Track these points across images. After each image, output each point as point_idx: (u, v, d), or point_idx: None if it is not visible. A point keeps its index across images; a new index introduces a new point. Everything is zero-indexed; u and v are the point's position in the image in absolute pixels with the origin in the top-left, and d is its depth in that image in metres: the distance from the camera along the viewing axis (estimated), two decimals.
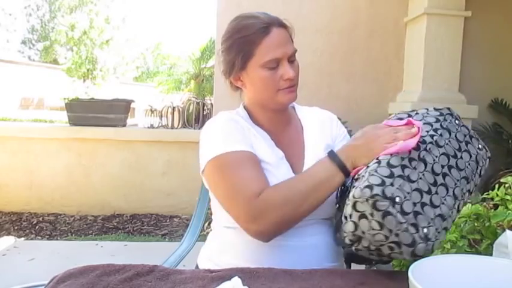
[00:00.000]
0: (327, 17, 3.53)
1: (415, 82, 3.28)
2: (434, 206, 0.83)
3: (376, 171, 0.83)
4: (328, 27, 3.52)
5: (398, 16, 3.51)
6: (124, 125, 4.35)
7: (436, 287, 0.66)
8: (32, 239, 3.38)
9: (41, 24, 20.40)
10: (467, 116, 3.15)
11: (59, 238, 3.43)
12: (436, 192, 0.85)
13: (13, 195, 3.94)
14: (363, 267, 1.76)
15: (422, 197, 0.83)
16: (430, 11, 3.12)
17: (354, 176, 0.90)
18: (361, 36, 3.54)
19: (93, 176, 4.00)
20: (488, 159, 0.97)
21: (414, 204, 0.81)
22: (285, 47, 1.05)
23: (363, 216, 0.82)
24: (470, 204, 1.48)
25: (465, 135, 0.96)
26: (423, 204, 0.82)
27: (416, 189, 0.83)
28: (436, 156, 0.89)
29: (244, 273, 0.87)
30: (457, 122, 0.97)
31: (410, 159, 0.86)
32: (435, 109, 0.99)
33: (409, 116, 0.97)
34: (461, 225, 1.45)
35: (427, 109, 0.99)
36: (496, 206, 1.49)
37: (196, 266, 1.14)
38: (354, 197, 0.82)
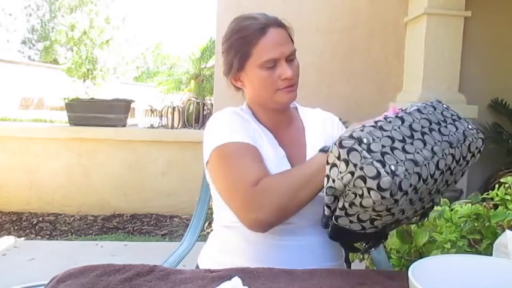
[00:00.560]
0: (327, 16, 3.53)
1: (415, 82, 3.28)
2: (406, 152, 0.81)
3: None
4: (328, 27, 3.52)
5: (399, 16, 3.51)
6: (124, 125, 4.35)
7: (436, 287, 0.66)
8: (32, 239, 3.38)
9: (41, 24, 20.40)
10: (467, 116, 3.14)
11: (59, 238, 3.43)
12: (412, 144, 0.82)
13: (13, 195, 3.94)
14: (363, 267, 1.76)
15: (393, 142, 0.81)
16: (430, 11, 3.12)
17: None
18: (361, 36, 3.54)
19: (93, 176, 4.00)
20: (481, 140, 0.93)
21: (383, 146, 0.79)
22: (283, 46, 1.05)
23: (333, 165, 0.82)
24: (470, 204, 1.48)
25: (453, 115, 0.93)
26: (393, 149, 0.80)
27: (388, 136, 0.81)
28: (417, 118, 0.87)
29: (244, 273, 0.87)
30: (446, 108, 0.95)
31: (386, 117, 0.86)
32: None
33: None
34: (461, 225, 1.45)
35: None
36: (496, 206, 1.49)
37: (197, 266, 1.14)
38: (327, 152, 0.83)
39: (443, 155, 0.84)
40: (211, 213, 1.18)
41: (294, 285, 0.85)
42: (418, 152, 0.81)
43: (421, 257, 0.74)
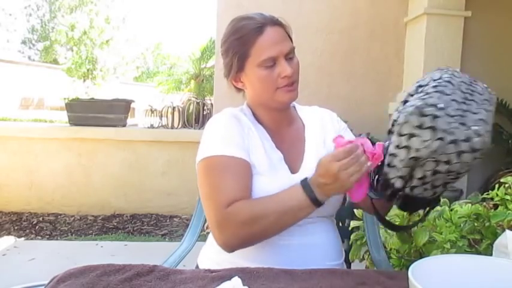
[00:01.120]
0: (327, 17, 3.53)
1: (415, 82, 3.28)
2: (473, 113, 0.83)
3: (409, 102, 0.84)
4: (328, 27, 3.52)
5: (399, 16, 3.51)
6: (124, 125, 4.35)
7: (436, 287, 0.66)
8: (32, 239, 3.38)
9: (41, 24, 20.40)
10: None
11: (59, 238, 3.42)
12: (471, 104, 0.85)
13: (13, 195, 3.94)
14: (363, 267, 1.76)
15: (459, 105, 0.83)
16: (430, 11, 3.12)
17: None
18: (361, 36, 3.54)
19: (93, 176, 4.00)
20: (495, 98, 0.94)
21: (456, 109, 0.81)
22: (281, 44, 1.04)
23: (411, 136, 0.81)
24: (470, 204, 1.48)
25: (470, 80, 0.94)
26: (463, 111, 0.82)
27: (453, 100, 0.83)
28: (458, 83, 0.89)
29: (244, 273, 0.87)
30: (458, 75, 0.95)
31: (438, 79, 0.87)
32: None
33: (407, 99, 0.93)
34: (461, 225, 1.45)
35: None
36: (496, 206, 1.49)
37: (197, 266, 1.14)
38: (398, 124, 0.82)
39: (490, 110, 0.85)
40: None
41: (294, 285, 0.85)
42: (479, 112, 0.83)
43: (421, 257, 0.73)
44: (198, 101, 4.75)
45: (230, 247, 0.99)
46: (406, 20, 3.47)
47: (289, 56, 1.06)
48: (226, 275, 0.86)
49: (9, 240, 3.23)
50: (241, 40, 1.05)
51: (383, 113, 3.50)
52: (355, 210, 1.56)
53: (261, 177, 1.03)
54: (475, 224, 1.44)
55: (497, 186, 1.50)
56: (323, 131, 1.16)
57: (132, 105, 4.65)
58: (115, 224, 3.76)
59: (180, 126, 4.47)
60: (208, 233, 1.20)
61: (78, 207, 3.94)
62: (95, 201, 3.96)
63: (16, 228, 3.58)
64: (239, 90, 1.16)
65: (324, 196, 0.92)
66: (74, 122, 4.19)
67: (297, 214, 0.95)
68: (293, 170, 1.09)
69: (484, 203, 1.55)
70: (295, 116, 1.19)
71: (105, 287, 0.82)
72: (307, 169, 1.02)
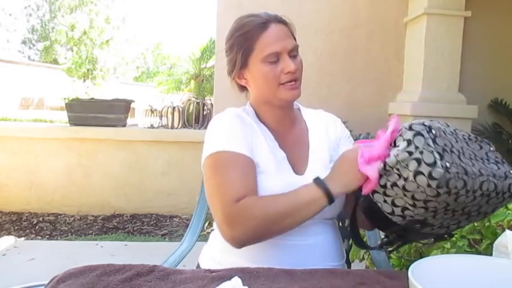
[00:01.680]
0: (327, 16, 3.53)
1: (415, 82, 3.28)
2: (460, 160, 0.84)
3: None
4: (328, 27, 3.52)
5: (399, 16, 3.51)
6: (124, 125, 4.35)
7: (436, 287, 0.66)
8: (32, 239, 3.38)
9: (41, 24, 20.42)
10: (467, 116, 3.16)
11: (59, 238, 3.43)
12: (464, 157, 0.86)
13: (13, 195, 3.94)
14: (363, 267, 1.76)
15: (452, 147, 0.85)
16: (430, 11, 3.12)
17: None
18: (361, 36, 3.54)
19: (93, 176, 4.00)
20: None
21: (445, 145, 0.83)
22: (285, 41, 1.05)
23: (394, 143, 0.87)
24: None
25: (497, 157, 0.95)
26: (452, 151, 0.84)
27: (449, 141, 0.85)
28: (466, 147, 0.90)
29: (244, 273, 0.87)
30: (492, 150, 0.97)
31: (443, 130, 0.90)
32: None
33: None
34: None
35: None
36: None
37: (198, 265, 1.14)
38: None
39: (487, 180, 0.86)
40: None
41: (294, 285, 0.85)
42: (468, 166, 0.85)
43: (421, 257, 0.73)
44: (198, 101, 4.75)
45: (240, 242, 0.97)
46: (406, 20, 3.47)
47: (293, 53, 1.06)
48: (226, 275, 0.86)
49: (9, 240, 3.23)
50: (246, 35, 1.05)
51: (383, 113, 3.50)
52: None
53: (265, 176, 1.03)
54: (475, 224, 1.44)
55: None
56: (327, 136, 1.16)
57: (132, 105, 4.65)
58: (115, 224, 3.76)
59: (180, 126, 4.48)
60: (208, 233, 1.20)
61: (78, 207, 3.94)
62: (95, 201, 3.96)
63: (16, 228, 3.58)
64: (242, 88, 1.16)
65: (338, 189, 0.93)
66: (74, 122, 4.19)
67: (308, 208, 0.94)
68: (297, 171, 1.08)
69: None
70: (298, 118, 1.19)
71: (105, 287, 0.82)
72: (313, 172, 1.02)
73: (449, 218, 0.89)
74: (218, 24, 3.47)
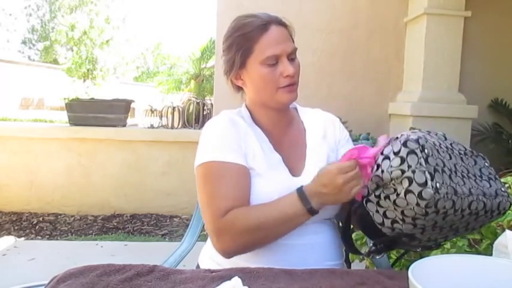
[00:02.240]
0: (327, 16, 3.53)
1: (415, 82, 3.28)
2: (451, 180, 0.86)
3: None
4: (328, 27, 3.52)
5: (399, 16, 3.51)
6: (124, 125, 4.35)
7: (436, 287, 0.66)
8: (32, 239, 3.38)
9: (41, 24, 20.42)
10: (467, 116, 3.16)
11: (59, 238, 3.42)
12: (455, 177, 0.88)
13: (13, 195, 3.93)
14: (363, 267, 1.76)
15: (444, 167, 0.87)
16: (430, 11, 3.12)
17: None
18: (361, 36, 3.54)
19: (93, 176, 4.00)
20: (510, 204, 0.96)
21: (437, 164, 0.85)
22: (284, 44, 1.05)
23: (386, 157, 0.88)
24: None
25: (490, 174, 0.97)
26: (443, 171, 0.86)
27: (442, 160, 0.87)
28: (459, 163, 0.93)
29: (244, 273, 0.87)
30: (487, 165, 0.99)
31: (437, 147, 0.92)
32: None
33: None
34: None
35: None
36: None
37: (198, 265, 1.14)
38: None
39: (477, 199, 0.88)
40: None
41: (294, 285, 0.85)
42: (459, 185, 0.87)
43: (421, 257, 0.74)
44: (198, 101, 4.75)
45: (228, 254, 1.00)
46: (406, 20, 3.47)
47: (291, 56, 1.06)
48: (226, 275, 0.86)
49: (9, 240, 3.23)
50: (246, 36, 1.04)
51: (383, 113, 3.50)
52: None
53: (260, 179, 1.03)
54: None
55: None
56: (325, 137, 1.15)
57: (132, 105, 4.64)
58: (115, 224, 3.76)
59: (180, 126, 4.47)
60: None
61: (78, 207, 3.94)
62: (95, 201, 3.96)
63: (16, 228, 3.58)
64: (238, 89, 1.15)
65: (320, 205, 0.94)
66: (74, 122, 4.19)
67: (291, 223, 0.97)
68: (294, 172, 1.08)
69: None
70: (295, 118, 1.18)
71: (105, 287, 0.82)
72: (310, 174, 1.02)
73: (437, 233, 0.92)
74: (218, 24, 3.47)
